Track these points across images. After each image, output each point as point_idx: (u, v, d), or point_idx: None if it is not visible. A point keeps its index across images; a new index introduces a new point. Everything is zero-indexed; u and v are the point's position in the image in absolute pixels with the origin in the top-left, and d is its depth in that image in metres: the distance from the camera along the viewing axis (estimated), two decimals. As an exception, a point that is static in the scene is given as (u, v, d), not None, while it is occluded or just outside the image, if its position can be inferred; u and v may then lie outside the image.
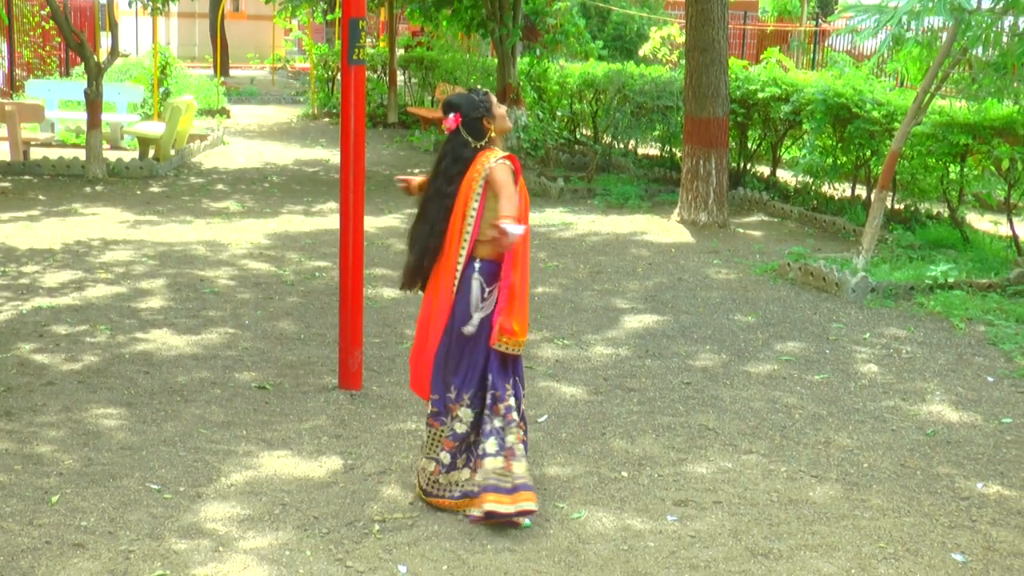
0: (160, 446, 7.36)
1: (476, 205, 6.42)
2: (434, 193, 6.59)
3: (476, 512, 6.35)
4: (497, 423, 6.44)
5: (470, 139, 6.50)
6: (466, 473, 6.57)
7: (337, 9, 30.18)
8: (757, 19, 35.28)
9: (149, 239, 13.80)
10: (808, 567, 6.01)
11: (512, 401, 6.49)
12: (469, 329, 6.45)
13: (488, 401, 6.49)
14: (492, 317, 6.45)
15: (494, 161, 6.43)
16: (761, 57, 22.83)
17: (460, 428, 6.53)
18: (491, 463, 6.38)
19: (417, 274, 6.64)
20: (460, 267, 6.46)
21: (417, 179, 7.07)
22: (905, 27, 11.81)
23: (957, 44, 12.01)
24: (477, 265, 6.45)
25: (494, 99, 6.60)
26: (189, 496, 6.62)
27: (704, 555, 6.11)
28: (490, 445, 6.42)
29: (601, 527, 6.42)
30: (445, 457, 6.55)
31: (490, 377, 6.47)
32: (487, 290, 6.45)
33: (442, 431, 6.57)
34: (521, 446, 6.48)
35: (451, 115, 6.51)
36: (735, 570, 5.95)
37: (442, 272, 6.54)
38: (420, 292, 6.79)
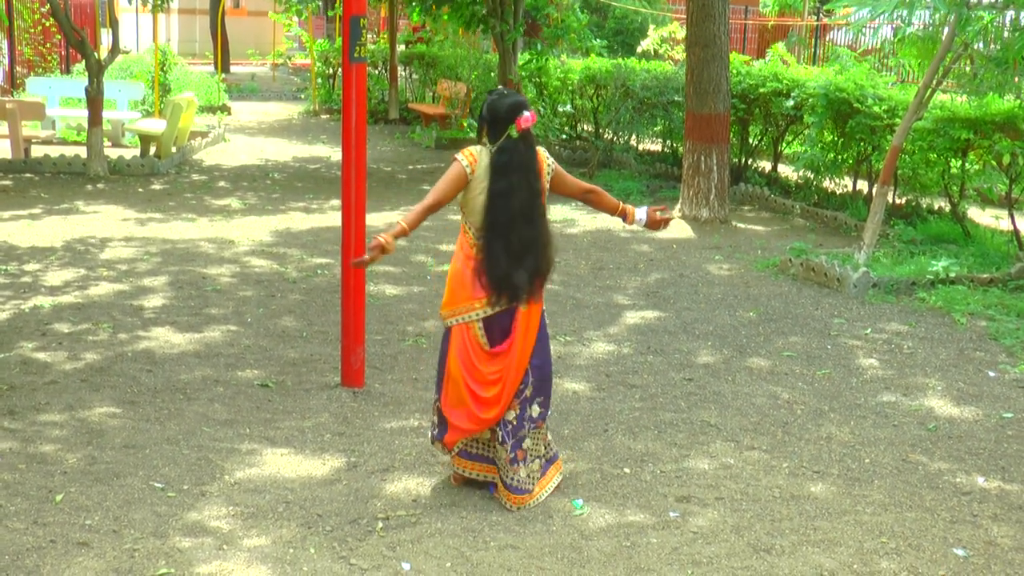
0: (163, 444, 7.37)
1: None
2: (535, 193, 6.46)
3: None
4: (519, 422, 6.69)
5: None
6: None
7: (338, 6, 30.22)
8: (758, 14, 35.26)
9: (151, 237, 13.81)
10: (810, 562, 6.02)
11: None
12: None
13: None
14: None
15: (548, 158, 6.60)
16: (766, 52, 22.81)
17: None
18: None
19: (540, 278, 6.52)
20: None
21: (391, 233, 6.53)
22: (906, 21, 11.82)
23: (958, 39, 12.02)
24: None
25: None
26: (193, 494, 6.64)
27: (706, 551, 6.13)
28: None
29: (603, 523, 6.44)
30: (542, 449, 6.80)
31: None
32: None
33: (544, 428, 6.79)
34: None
35: (526, 112, 6.38)
36: (737, 566, 5.97)
37: None
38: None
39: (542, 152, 6.56)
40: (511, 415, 6.56)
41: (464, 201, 6.51)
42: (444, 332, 6.67)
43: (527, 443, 6.61)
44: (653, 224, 6.94)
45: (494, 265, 6.40)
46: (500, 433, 6.57)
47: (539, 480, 6.68)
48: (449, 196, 6.47)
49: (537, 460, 6.66)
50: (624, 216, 6.87)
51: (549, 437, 6.86)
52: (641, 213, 6.90)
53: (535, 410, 6.61)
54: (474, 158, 6.45)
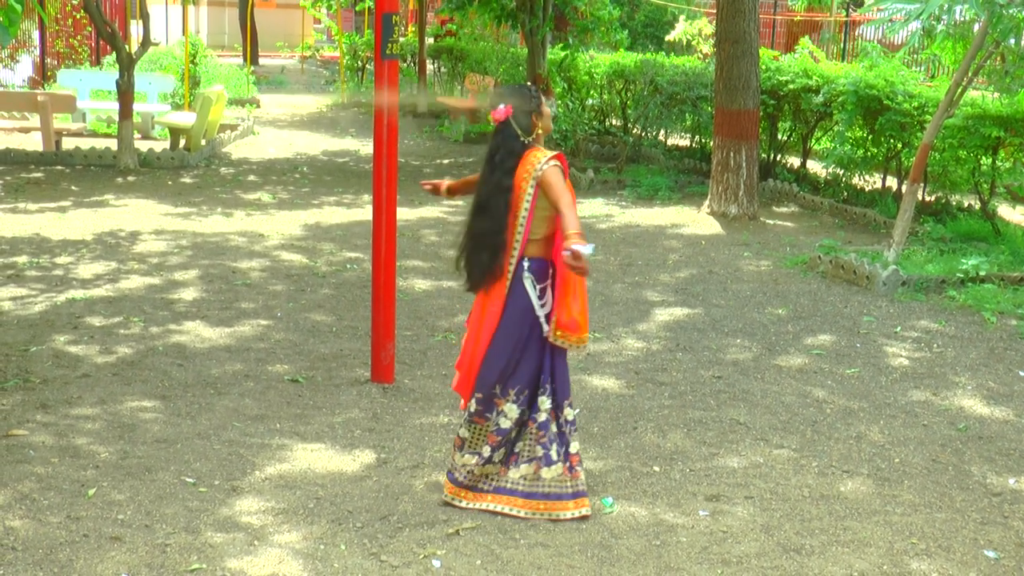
0: (194, 439, 7.41)
1: (528, 206, 6.41)
2: (494, 187, 6.46)
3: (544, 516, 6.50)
4: (558, 428, 6.58)
5: (519, 132, 6.47)
6: (498, 468, 6.61)
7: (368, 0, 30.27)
8: (787, 9, 35.14)
9: (181, 230, 13.87)
10: (840, 563, 6.03)
11: (571, 409, 6.64)
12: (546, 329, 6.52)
13: (549, 405, 6.55)
14: (549, 314, 6.50)
15: (544, 162, 6.37)
16: (795, 47, 22.75)
17: (504, 423, 6.53)
18: (552, 471, 6.52)
19: (490, 273, 6.50)
20: (512, 267, 6.47)
21: (444, 182, 7.14)
22: (937, 20, 11.78)
23: (990, 37, 11.97)
24: (527, 264, 6.45)
25: (543, 97, 6.61)
26: (224, 489, 6.68)
27: (736, 550, 6.14)
28: (554, 452, 6.53)
29: (633, 522, 6.45)
30: (486, 450, 6.57)
31: (552, 379, 6.56)
32: (539, 287, 6.48)
33: (487, 426, 6.57)
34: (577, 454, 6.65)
35: (501, 105, 6.45)
36: (767, 566, 5.98)
37: None
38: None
39: (539, 154, 6.44)
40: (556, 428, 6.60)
41: None
42: None
43: (575, 446, 6.61)
44: (566, 262, 6.20)
45: (461, 247, 6.64)
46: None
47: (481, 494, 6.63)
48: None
49: (476, 457, 6.59)
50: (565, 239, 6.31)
51: (546, 475, 6.55)
52: (574, 245, 6.06)
53: (513, 409, 6.57)
54: None
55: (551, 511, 6.48)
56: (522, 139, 6.46)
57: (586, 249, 5.95)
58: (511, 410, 6.53)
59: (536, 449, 6.55)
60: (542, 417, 6.54)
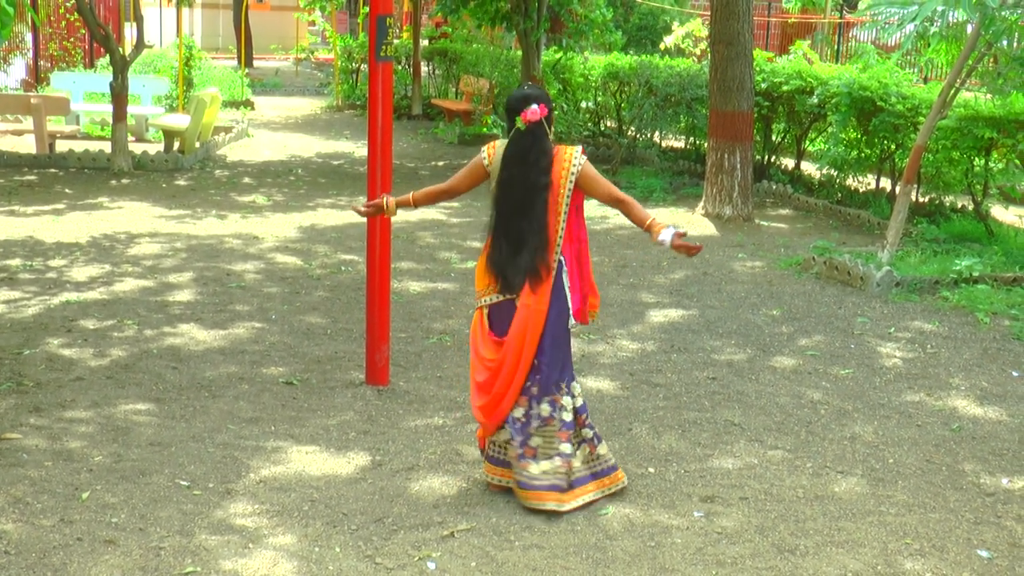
0: (189, 442, 7.41)
1: (567, 203, 6.54)
2: (532, 187, 6.47)
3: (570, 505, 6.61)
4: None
5: (548, 131, 6.52)
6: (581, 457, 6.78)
7: (363, 5, 30.26)
8: (781, 10, 35.15)
9: (176, 232, 13.86)
10: (834, 563, 6.03)
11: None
12: (572, 321, 6.70)
13: (579, 389, 6.79)
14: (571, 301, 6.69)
15: (577, 158, 6.53)
16: (789, 48, 22.77)
17: (567, 417, 6.63)
18: (603, 446, 6.87)
19: (533, 273, 6.51)
20: (555, 266, 6.56)
21: (385, 199, 7.05)
22: (931, 23, 11.80)
23: (982, 39, 11.99)
24: (563, 260, 6.61)
25: None
26: (218, 492, 6.67)
27: (731, 551, 6.14)
28: (590, 433, 6.80)
29: (628, 523, 6.45)
30: (566, 448, 6.64)
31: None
32: (568, 283, 6.66)
33: (555, 425, 6.62)
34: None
35: (535, 106, 6.42)
36: (762, 566, 5.98)
37: None
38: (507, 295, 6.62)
39: (568, 150, 6.55)
40: (519, 412, 6.59)
41: (490, 191, 6.66)
42: None
43: (535, 440, 6.59)
44: (677, 248, 6.57)
45: (495, 251, 6.59)
46: (510, 430, 6.61)
47: (573, 491, 6.67)
48: (463, 184, 6.74)
49: (559, 458, 6.63)
50: (650, 232, 6.66)
51: (602, 451, 6.80)
52: (666, 235, 6.48)
53: (544, 409, 6.60)
54: (493, 150, 6.61)
55: (616, 483, 6.80)
56: (551, 138, 6.55)
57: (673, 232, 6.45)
58: (568, 403, 6.63)
59: (585, 432, 6.75)
60: (579, 402, 6.72)
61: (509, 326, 6.57)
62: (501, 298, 6.60)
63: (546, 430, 6.62)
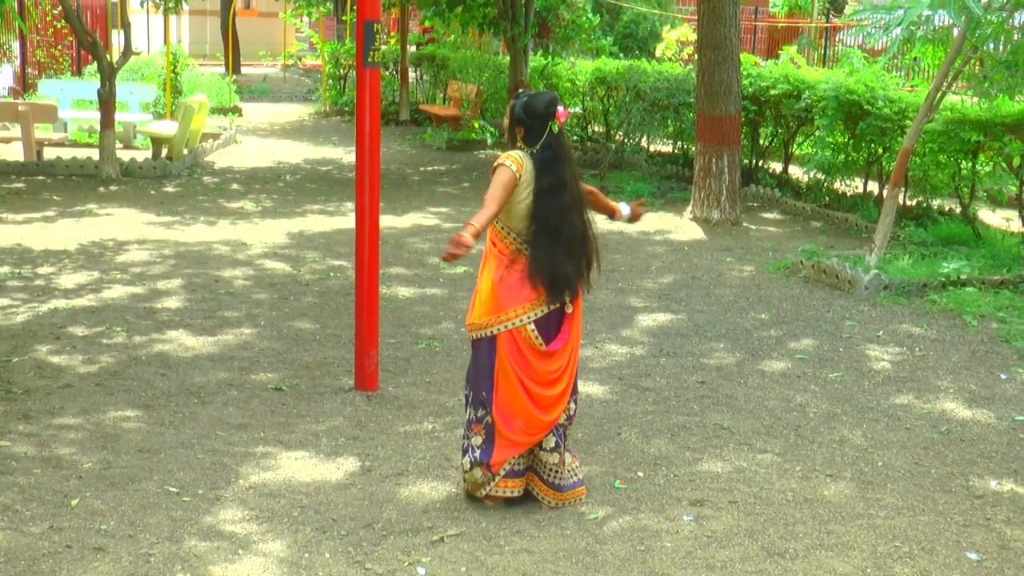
0: (178, 448, 7.40)
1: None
2: (579, 188, 6.58)
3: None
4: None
5: None
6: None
7: (351, 11, 30.27)
8: (768, 15, 35.23)
9: (164, 239, 13.85)
10: (824, 566, 6.04)
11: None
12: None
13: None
14: None
15: None
16: (777, 53, 22.82)
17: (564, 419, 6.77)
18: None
19: (583, 278, 6.60)
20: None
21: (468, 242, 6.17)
22: (917, 28, 11.82)
23: (968, 42, 12.02)
24: None
25: None
26: (208, 499, 6.67)
27: (720, 555, 6.15)
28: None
29: (618, 527, 6.45)
30: (564, 443, 6.77)
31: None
32: None
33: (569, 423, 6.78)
34: None
35: (561, 107, 6.45)
36: (751, 570, 5.99)
37: None
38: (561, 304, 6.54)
39: None
40: (563, 415, 6.64)
41: (507, 208, 6.40)
42: (481, 346, 6.52)
43: (568, 441, 6.74)
44: (635, 216, 7.30)
45: (548, 262, 6.40)
46: (554, 438, 6.61)
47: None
48: (505, 201, 6.35)
49: (568, 454, 6.71)
50: (612, 214, 7.02)
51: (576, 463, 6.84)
52: (625, 209, 7.18)
53: (571, 407, 6.69)
54: (520, 163, 6.38)
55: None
56: None
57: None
58: (571, 407, 6.74)
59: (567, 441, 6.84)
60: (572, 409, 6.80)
61: (557, 333, 6.50)
62: (548, 309, 6.46)
63: (569, 428, 6.75)
